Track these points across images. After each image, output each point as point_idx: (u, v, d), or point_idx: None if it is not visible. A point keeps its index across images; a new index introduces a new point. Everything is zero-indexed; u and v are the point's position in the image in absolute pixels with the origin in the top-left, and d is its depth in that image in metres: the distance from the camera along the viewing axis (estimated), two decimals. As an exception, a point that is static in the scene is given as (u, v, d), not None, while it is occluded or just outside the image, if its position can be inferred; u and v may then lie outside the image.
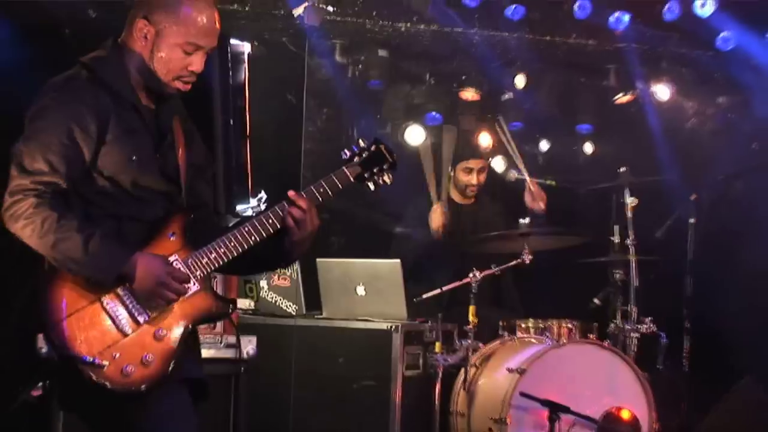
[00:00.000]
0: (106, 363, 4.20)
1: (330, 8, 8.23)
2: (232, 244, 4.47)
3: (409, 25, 9.01)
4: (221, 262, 4.47)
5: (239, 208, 7.20)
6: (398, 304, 7.78)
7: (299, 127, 8.96)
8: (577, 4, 8.62)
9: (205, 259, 4.45)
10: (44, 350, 5.59)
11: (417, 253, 8.73)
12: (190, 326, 4.42)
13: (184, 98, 4.76)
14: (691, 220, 8.77)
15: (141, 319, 4.31)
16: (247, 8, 8.33)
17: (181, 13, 4.42)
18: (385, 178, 4.84)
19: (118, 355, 4.24)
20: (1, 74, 7.04)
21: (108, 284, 4.27)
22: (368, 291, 7.87)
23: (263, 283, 8.12)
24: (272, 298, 8.10)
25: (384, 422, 7.55)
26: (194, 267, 4.42)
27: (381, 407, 7.59)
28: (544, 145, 10.65)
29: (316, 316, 8.02)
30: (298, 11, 8.23)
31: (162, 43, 4.43)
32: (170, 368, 4.31)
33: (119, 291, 4.29)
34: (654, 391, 7.51)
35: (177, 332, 4.36)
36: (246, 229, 4.49)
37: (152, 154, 4.50)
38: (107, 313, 4.28)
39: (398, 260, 7.92)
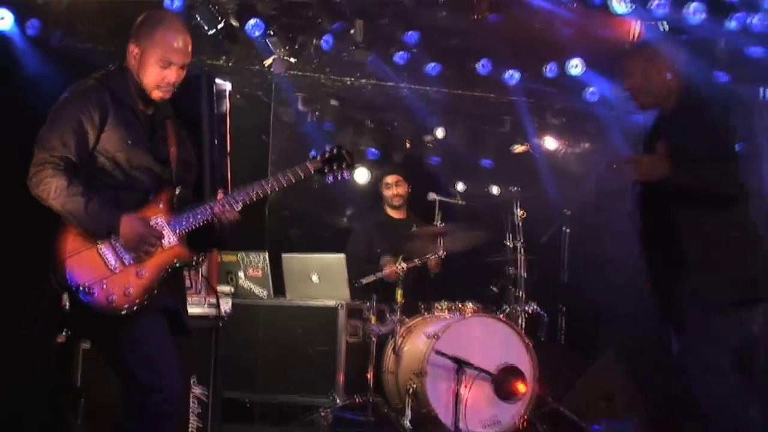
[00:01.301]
0: (95, 291, 4.29)
1: (292, 60, 8.24)
2: (209, 211, 4.53)
3: (353, 79, 9.06)
4: (196, 226, 4.54)
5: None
6: (343, 288, 7.79)
7: (268, 154, 9.05)
8: (480, 63, 8.63)
9: (186, 220, 4.52)
10: (66, 306, 5.67)
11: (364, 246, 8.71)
12: (167, 269, 4.48)
13: (184, 121, 4.84)
14: (566, 229, 8.88)
15: (126, 261, 4.37)
16: (230, 63, 8.39)
17: (156, 37, 4.51)
18: (344, 174, 4.86)
19: (105, 286, 4.31)
20: (37, 97, 7.09)
21: (101, 237, 4.36)
22: (321, 278, 7.88)
23: (240, 274, 8.08)
24: (247, 285, 8.07)
25: (332, 378, 7.56)
26: (176, 225, 4.50)
27: (330, 367, 7.60)
28: (460, 186, 10.62)
29: (281, 299, 8.01)
30: (267, 62, 8.27)
31: (145, 60, 4.51)
32: (146, 299, 4.37)
33: (112, 240, 4.37)
34: (537, 355, 7.54)
35: (155, 273, 4.42)
36: (216, 206, 4.56)
37: (145, 142, 4.56)
38: (100, 255, 4.35)
39: (343, 255, 7.93)
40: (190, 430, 5.74)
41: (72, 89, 4.54)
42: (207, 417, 5.83)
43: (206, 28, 7.53)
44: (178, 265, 4.55)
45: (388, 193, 8.77)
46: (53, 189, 4.33)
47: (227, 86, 5.37)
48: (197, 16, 7.54)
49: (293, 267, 8.05)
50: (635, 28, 7.78)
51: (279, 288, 8.04)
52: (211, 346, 5.95)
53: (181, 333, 4.62)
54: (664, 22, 7.67)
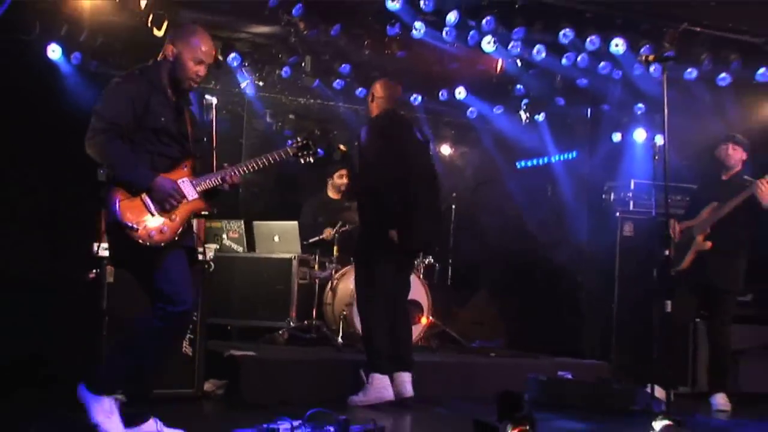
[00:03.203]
0: (138, 227, 4.22)
1: (261, 83, 8.20)
2: (220, 176, 4.49)
3: (305, 99, 9.04)
4: (213, 186, 4.48)
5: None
6: (296, 245, 7.77)
7: (242, 152, 9.02)
8: (394, 88, 8.57)
9: (204, 182, 4.45)
10: (96, 252, 5.61)
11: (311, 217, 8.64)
12: (191, 215, 4.42)
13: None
14: (453, 206, 8.95)
15: (161, 208, 4.30)
16: (217, 86, 8.34)
17: (192, 42, 4.41)
18: (310, 159, 4.86)
19: (146, 225, 4.24)
20: (78, 110, 6.89)
21: (140, 191, 4.27)
22: (280, 239, 7.85)
23: (224, 236, 8.01)
24: (228, 243, 8.01)
25: (287, 309, 7.53)
26: (197, 185, 4.42)
27: (285, 300, 7.57)
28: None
29: (252, 253, 7.97)
30: (243, 84, 8.25)
31: (182, 59, 4.39)
32: (177, 237, 4.31)
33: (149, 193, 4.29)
34: (431, 292, 7.62)
35: (183, 217, 4.35)
36: (226, 173, 4.51)
37: (173, 121, 4.43)
38: (143, 202, 4.27)
39: (296, 222, 7.91)
40: (185, 340, 5.69)
41: (121, 76, 4.37)
42: (196, 334, 5.75)
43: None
44: (199, 214, 4.48)
45: (339, 181, 8.58)
46: (104, 150, 4.20)
47: (214, 101, 5.31)
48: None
49: (261, 230, 8.02)
50: (499, 63, 7.81)
51: (251, 245, 8.00)
52: (200, 282, 5.89)
53: (193, 264, 4.51)
54: (518, 59, 7.76)
